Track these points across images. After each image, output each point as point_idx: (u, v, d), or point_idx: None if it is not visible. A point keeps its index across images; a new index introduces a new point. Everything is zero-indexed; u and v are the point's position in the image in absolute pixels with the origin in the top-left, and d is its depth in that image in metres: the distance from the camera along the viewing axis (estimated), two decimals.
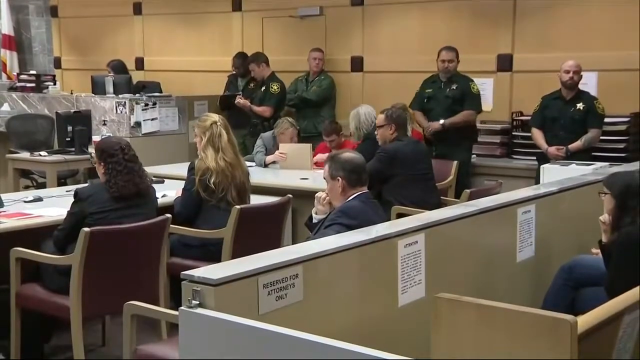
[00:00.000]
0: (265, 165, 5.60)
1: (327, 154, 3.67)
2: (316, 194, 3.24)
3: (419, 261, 2.48)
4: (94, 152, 3.53)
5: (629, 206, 2.67)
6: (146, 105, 6.60)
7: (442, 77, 5.70)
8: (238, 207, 3.62)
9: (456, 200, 4.59)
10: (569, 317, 1.49)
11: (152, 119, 6.64)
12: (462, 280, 2.72)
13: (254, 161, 5.64)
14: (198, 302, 1.77)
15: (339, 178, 3.05)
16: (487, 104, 5.98)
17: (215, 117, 3.90)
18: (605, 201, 2.84)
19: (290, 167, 5.44)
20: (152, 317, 2.82)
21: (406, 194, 4.50)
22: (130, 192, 3.32)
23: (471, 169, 5.70)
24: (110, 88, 6.83)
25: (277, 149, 5.62)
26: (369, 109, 5.35)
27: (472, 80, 5.65)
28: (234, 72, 7.30)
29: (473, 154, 5.82)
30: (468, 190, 4.18)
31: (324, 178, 3.13)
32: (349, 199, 3.02)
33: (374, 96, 6.51)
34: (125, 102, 6.55)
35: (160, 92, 7.17)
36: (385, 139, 4.72)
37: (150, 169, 5.11)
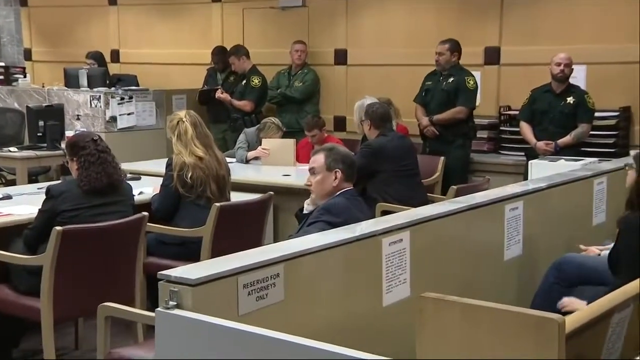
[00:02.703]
0: (247, 161, 5.61)
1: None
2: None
3: (404, 259, 2.48)
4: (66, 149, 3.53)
5: None
6: (122, 99, 6.57)
7: (441, 70, 5.73)
8: (218, 204, 3.62)
9: (442, 197, 4.62)
10: (556, 316, 1.49)
11: (129, 114, 6.61)
12: (448, 279, 2.73)
13: (234, 157, 5.65)
14: (175, 303, 1.77)
15: (337, 171, 3.05)
16: None
17: (182, 114, 3.94)
18: (628, 176, 2.83)
19: (272, 163, 5.44)
20: (128, 318, 2.80)
21: (391, 190, 4.52)
22: (103, 184, 3.31)
23: (468, 167, 5.72)
24: (84, 81, 6.77)
25: (261, 144, 5.63)
26: (370, 101, 5.32)
27: (470, 75, 5.65)
28: (213, 66, 7.29)
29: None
30: (455, 187, 4.20)
31: (312, 169, 3.11)
32: (334, 195, 3.03)
33: (358, 90, 6.52)
34: (100, 96, 6.52)
35: (137, 85, 7.12)
36: (368, 135, 4.77)
37: (126, 165, 5.08)
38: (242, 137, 5.84)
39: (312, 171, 3.12)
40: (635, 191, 2.64)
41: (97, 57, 7.59)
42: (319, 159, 3.10)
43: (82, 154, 3.32)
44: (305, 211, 3.20)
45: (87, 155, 3.31)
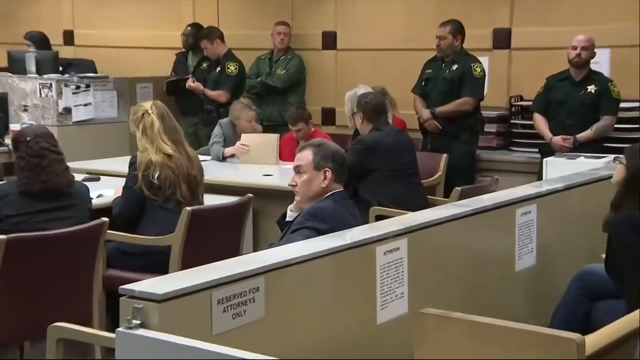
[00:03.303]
0: (223, 159, 5.62)
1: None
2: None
3: (400, 271, 2.50)
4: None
5: (637, 190, 2.70)
6: (77, 87, 6.52)
7: (444, 56, 5.75)
8: (189, 208, 3.62)
9: (445, 199, 4.65)
10: (575, 335, 1.50)
11: (85, 105, 6.57)
12: (452, 293, 2.75)
13: (208, 154, 5.65)
14: (139, 322, 1.77)
15: (327, 170, 3.07)
16: None
17: (147, 105, 3.94)
18: (616, 171, 2.90)
19: (252, 161, 5.46)
20: (84, 340, 2.77)
21: (386, 192, 4.54)
22: (35, 189, 3.33)
23: (474, 165, 5.75)
24: (32, 66, 6.67)
25: (239, 137, 5.64)
26: (365, 90, 5.28)
27: (477, 61, 5.67)
28: (183, 50, 7.28)
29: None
30: (459, 188, 4.22)
31: (298, 167, 3.12)
32: (322, 198, 3.05)
33: (349, 78, 6.53)
34: (51, 84, 6.46)
35: (95, 72, 7.09)
36: (360, 129, 4.79)
37: (83, 164, 5.12)
38: (217, 129, 5.86)
39: (298, 170, 3.13)
40: (623, 190, 2.69)
41: (36, 39, 7.40)
42: (306, 156, 3.10)
43: (17, 155, 3.36)
44: (288, 218, 3.22)
45: (19, 159, 3.35)
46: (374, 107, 4.71)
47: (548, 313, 3.19)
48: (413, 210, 3.30)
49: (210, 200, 4.08)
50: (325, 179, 3.07)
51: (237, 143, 5.59)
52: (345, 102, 5.29)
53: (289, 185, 3.21)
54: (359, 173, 4.49)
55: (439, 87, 5.72)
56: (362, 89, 5.22)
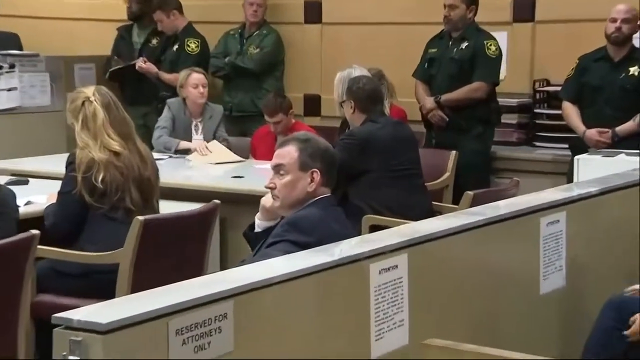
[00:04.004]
0: (176, 153, 5.68)
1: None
2: (262, 200, 3.25)
3: (400, 293, 2.51)
4: None
5: None
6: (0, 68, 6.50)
7: (450, 31, 5.76)
8: (141, 218, 3.62)
9: (454, 206, 4.67)
10: None
11: (9, 90, 6.56)
12: (461, 320, 2.75)
13: (166, 151, 5.72)
14: (78, 358, 1.76)
15: (315, 171, 3.08)
16: None
17: (88, 91, 3.94)
18: None
19: (216, 159, 5.52)
20: None
21: (382, 197, 4.56)
22: None
23: (489, 165, 5.77)
24: None
25: (194, 117, 5.75)
26: (360, 72, 5.29)
27: (492, 38, 5.70)
28: (127, 23, 7.27)
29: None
30: (471, 193, 4.25)
31: (279, 166, 3.13)
32: (305, 205, 3.07)
33: (336, 59, 6.55)
34: None
35: (21, 49, 7.08)
36: (350, 120, 4.80)
37: (7, 164, 5.13)
38: (165, 113, 5.91)
39: (279, 169, 3.13)
40: None
41: None
42: (289, 153, 3.11)
43: None
44: (257, 228, 3.23)
45: None
46: (368, 94, 4.72)
47: (579, 345, 3.19)
48: (415, 219, 3.31)
49: (168, 207, 4.07)
50: (312, 182, 3.08)
51: (199, 141, 5.66)
52: (335, 85, 5.28)
53: (267, 187, 3.20)
54: (350, 174, 4.49)
55: (446, 70, 5.75)
56: (358, 71, 5.22)
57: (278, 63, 6.89)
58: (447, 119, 5.68)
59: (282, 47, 6.91)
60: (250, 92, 6.73)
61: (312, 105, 6.98)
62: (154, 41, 7.03)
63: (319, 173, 3.08)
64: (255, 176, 4.99)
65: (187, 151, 5.69)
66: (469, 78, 5.66)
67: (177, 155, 5.67)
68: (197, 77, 5.90)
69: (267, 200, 3.22)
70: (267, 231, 3.16)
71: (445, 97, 5.69)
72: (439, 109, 5.69)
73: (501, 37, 5.83)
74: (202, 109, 5.97)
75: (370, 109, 4.71)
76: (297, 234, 2.92)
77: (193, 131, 5.92)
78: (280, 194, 3.12)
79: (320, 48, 6.95)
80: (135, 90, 6.90)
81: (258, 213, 3.26)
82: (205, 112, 6.01)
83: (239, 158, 5.67)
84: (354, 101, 4.71)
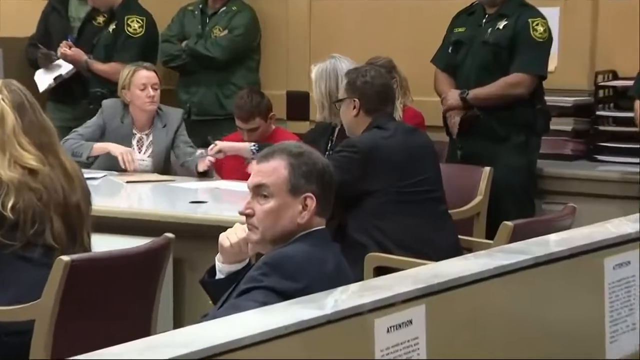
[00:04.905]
0: (88, 160, 5.71)
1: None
2: (221, 237, 3.26)
3: (414, 357, 2.47)
4: None
5: None
6: None
7: (485, 5, 5.81)
8: (66, 258, 3.60)
9: (488, 241, 4.72)
10: None
11: None
12: None
13: (98, 170, 5.73)
14: None
15: (309, 196, 3.09)
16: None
17: None
18: None
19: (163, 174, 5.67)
20: None
21: (391, 228, 4.60)
22: None
23: (535, 185, 5.80)
24: None
25: (138, 129, 5.84)
26: (348, 64, 5.39)
27: (540, 16, 5.75)
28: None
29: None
30: (510, 223, 4.27)
31: (261, 187, 3.11)
32: (292, 240, 3.10)
33: (330, 41, 6.63)
34: None
35: None
36: (350, 126, 4.80)
37: None
38: (94, 119, 5.94)
39: (261, 190, 3.13)
40: None
41: None
42: (276, 170, 3.11)
43: None
44: (219, 274, 3.27)
45: None
46: (378, 90, 4.76)
47: None
48: (434, 259, 3.36)
49: (102, 243, 4.07)
50: (304, 210, 3.08)
51: (119, 150, 5.66)
52: (314, 81, 5.35)
53: (241, 214, 3.19)
54: (348, 199, 4.53)
55: (477, 57, 5.80)
56: (346, 63, 5.32)
57: (253, 49, 6.97)
58: (478, 118, 5.70)
59: (258, 28, 6.98)
60: (215, 89, 6.81)
61: (299, 106, 6.99)
62: (100, 19, 7.03)
63: (314, 199, 3.08)
64: (222, 201, 5.06)
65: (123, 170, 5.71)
66: (507, 68, 5.70)
67: (119, 173, 5.70)
68: (145, 75, 5.92)
69: (229, 237, 3.24)
70: (232, 278, 3.19)
71: (474, 92, 5.72)
72: (467, 107, 5.73)
73: (552, 15, 5.90)
74: (152, 118, 5.99)
75: (380, 110, 4.75)
76: (279, 278, 2.94)
77: (135, 147, 5.92)
78: (260, 224, 3.11)
79: (309, 29, 7.01)
80: (60, 85, 6.90)
81: (217, 254, 3.29)
82: (156, 121, 6.03)
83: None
84: (360, 99, 4.73)
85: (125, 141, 5.87)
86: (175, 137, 6.00)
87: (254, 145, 5.42)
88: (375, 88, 4.75)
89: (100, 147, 5.74)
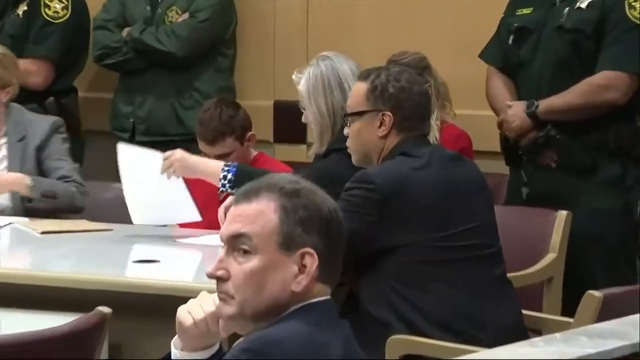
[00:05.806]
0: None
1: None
2: (179, 313, 3.23)
3: None
4: None
5: None
6: None
7: None
8: None
9: (565, 319, 4.80)
10: None
11: None
12: None
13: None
14: None
15: (309, 253, 3.04)
16: None
17: None
18: None
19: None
20: None
21: (424, 299, 4.62)
22: None
23: (636, 239, 5.75)
24: None
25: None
26: (352, 66, 5.49)
27: None
28: None
29: None
30: (597, 293, 4.22)
31: (239, 237, 3.05)
32: (284, 313, 3.05)
33: (331, 33, 6.77)
34: None
35: None
36: (368, 150, 4.67)
37: None
38: None
39: (238, 243, 3.08)
40: None
41: None
42: (262, 215, 3.07)
43: None
44: None
45: None
46: (419, 102, 4.77)
47: None
48: (487, 343, 3.37)
49: (9, 322, 4.25)
50: (301, 272, 3.03)
51: None
52: (305, 96, 5.44)
53: (211, 277, 3.10)
54: (363, 256, 4.54)
55: (549, 49, 5.84)
56: (346, 63, 5.44)
57: (224, 42, 7.07)
58: (552, 137, 5.66)
59: (232, 12, 7.04)
60: (171, 98, 6.84)
61: (291, 122, 6.74)
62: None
63: (315, 257, 3.00)
64: (181, 258, 5.02)
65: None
66: (594, 65, 5.61)
67: (30, 219, 5.70)
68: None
69: (191, 313, 3.21)
70: None
71: (547, 103, 5.74)
72: (536, 128, 5.63)
73: None
74: None
75: (415, 129, 4.75)
76: None
77: None
78: (237, 292, 3.06)
79: (306, 15, 7.02)
80: None
81: (175, 337, 3.24)
82: (11, 127, 5.96)
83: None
84: (394, 113, 4.66)
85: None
86: (41, 162, 5.96)
87: (229, 167, 5.27)
88: (415, 98, 4.68)
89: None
